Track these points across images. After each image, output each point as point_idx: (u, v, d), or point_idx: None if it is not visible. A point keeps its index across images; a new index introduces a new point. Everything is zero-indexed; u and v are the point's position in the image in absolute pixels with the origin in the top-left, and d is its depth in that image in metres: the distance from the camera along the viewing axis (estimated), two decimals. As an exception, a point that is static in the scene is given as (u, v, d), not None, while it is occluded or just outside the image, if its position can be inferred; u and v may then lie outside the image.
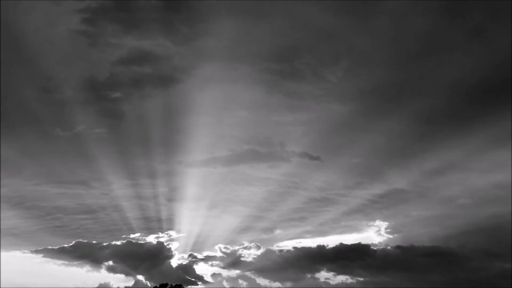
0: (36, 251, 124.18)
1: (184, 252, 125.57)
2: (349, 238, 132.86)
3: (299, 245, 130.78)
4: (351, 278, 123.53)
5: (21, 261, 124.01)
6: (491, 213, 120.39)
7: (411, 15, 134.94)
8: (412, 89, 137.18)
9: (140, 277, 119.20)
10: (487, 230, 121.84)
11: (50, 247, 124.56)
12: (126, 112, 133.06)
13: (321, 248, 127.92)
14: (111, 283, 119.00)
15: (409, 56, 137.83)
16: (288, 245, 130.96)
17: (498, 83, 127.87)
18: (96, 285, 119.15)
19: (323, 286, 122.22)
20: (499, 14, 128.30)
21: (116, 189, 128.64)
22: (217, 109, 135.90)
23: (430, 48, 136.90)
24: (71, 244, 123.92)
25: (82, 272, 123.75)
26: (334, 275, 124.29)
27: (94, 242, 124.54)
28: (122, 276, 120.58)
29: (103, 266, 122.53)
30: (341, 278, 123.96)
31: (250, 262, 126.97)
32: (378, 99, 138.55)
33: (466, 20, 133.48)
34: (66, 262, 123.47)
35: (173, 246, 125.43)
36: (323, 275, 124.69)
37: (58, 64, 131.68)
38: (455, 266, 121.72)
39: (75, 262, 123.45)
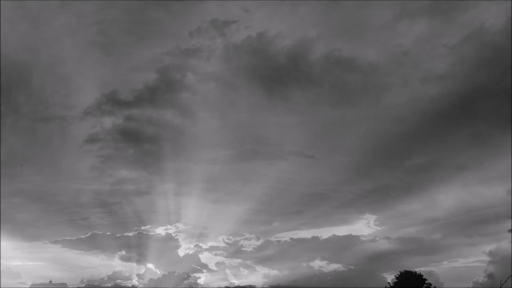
0: (55, 242, 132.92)
1: (190, 242, 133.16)
2: (341, 230, 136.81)
3: (295, 236, 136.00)
4: (343, 267, 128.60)
5: (42, 251, 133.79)
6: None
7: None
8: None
9: (150, 265, 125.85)
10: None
11: (68, 238, 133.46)
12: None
13: (315, 239, 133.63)
14: (123, 271, 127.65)
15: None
16: (285, 236, 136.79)
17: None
18: (110, 273, 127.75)
19: (317, 273, 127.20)
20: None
21: (128, 185, 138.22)
22: (222, 111, 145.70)
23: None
24: (87, 235, 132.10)
25: (97, 261, 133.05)
26: (327, 263, 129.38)
27: (108, 233, 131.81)
28: (134, 264, 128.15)
29: (116, 255, 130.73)
30: (334, 266, 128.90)
31: (251, 251, 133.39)
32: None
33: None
34: (82, 252, 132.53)
35: (180, 237, 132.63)
36: (317, 263, 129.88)
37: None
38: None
39: (90, 252, 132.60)
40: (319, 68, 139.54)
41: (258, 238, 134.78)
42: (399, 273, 79.90)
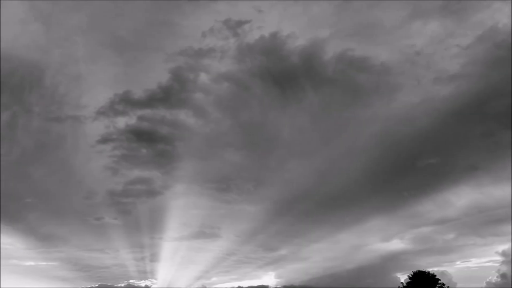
0: (68, 242, 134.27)
1: (203, 242, 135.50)
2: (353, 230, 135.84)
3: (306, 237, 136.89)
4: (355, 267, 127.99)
5: (55, 250, 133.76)
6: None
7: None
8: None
9: (163, 265, 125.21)
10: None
11: (80, 238, 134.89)
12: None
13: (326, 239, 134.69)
14: (136, 271, 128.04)
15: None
16: (296, 235, 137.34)
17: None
18: (123, 273, 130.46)
19: (329, 273, 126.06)
20: None
21: (142, 185, 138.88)
22: (235, 112, 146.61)
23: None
24: (100, 235, 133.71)
25: (110, 261, 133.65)
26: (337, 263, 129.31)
27: (120, 233, 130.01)
28: (146, 264, 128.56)
29: (129, 255, 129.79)
30: (346, 266, 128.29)
31: (262, 251, 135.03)
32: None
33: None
34: (95, 252, 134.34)
35: (192, 236, 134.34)
36: (328, 263, 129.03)
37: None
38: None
39: (103, 252, 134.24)
40: (331, 68, 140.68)
41: (269, 237, 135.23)
42: (412, 273, 79.73)
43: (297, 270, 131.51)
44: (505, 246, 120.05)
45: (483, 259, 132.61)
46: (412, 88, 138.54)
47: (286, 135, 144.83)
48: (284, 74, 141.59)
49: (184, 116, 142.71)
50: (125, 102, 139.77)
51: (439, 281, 77.90)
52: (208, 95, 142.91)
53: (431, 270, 79.85)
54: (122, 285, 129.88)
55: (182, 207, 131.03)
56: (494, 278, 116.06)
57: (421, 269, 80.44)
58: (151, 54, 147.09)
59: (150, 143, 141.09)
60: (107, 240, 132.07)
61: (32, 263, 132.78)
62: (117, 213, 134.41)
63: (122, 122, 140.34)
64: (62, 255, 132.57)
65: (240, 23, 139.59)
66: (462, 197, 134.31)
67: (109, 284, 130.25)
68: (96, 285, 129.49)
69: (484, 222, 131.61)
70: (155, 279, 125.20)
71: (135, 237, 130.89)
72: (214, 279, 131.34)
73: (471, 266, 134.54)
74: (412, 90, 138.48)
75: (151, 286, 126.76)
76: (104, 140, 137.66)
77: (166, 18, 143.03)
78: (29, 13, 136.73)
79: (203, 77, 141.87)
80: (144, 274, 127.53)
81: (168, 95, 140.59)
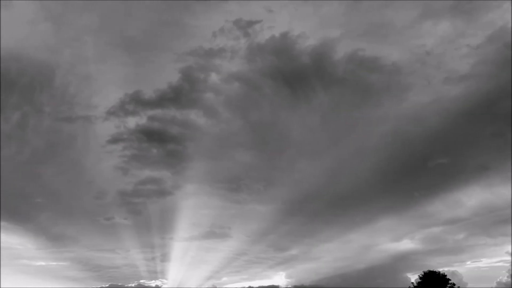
0: (78, 241, 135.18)
1: (213, 242, 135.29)
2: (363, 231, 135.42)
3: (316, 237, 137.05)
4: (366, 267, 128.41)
5: (65, 250, 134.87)
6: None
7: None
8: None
9: (173, 265, 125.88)
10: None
11: (91, 237, 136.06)
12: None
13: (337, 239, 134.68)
14: (146, 271, 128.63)
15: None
16: (307, 235, 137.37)
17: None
18: (133, 273, 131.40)
19: (340, 273, 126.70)
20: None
21: (152, 185, 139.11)
22: (245, 111, 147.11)
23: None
24: (110, 235, 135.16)
25: (120, 261, 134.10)
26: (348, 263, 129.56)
27: (131, 233, 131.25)
28: (156, 264, 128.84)
29: (139, 255, 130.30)
30: (356, 266, 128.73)
31: (273, 251, 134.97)
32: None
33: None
34: (105, 252, 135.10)
35: (203, 236, 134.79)
36: (339, 263, 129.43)
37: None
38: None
39: (113, 252, 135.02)
40: (342, 68, 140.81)
41: (279, 237, 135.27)
42: (422, 273, 79.87)
43: (308, 270, 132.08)
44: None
45: (493, 259, 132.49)
46: (423, 88, 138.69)
47: (296, 135, 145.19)
48: (294, 74, 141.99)
49: (195, 116, 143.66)
50: (136, 102, 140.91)
51: (450, 281, 78.01)
52: (218, 95, 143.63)
53: (441, 270, 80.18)
54: (133, 285, 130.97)
55: (192, 207, 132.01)
56: (504, 278, 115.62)
57: (431, 269, 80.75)
58: (162, 54, 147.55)
59: (160, 143, 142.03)
60: (118, 240, 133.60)
61: (42, 263, 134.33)
62: (128, 213, 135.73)
63: (132, 122, 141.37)
64: (72, 255, 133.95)
65: (251, 23, 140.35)
66: (473, 197, 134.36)
67: (119, 284, 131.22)
68: (107, 285, 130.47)
69: (495, 222, 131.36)
70: (166, 279, 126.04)
71: (146, 237, 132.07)
72: (224, 279, 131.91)
73: (481, 266, 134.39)
74: (422, 90, 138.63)
75: (161, 286, 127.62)
76: (115, 140, 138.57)
77: (177, 18, 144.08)
78: (39, 13, 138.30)
79: (214, 77, 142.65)
80: (155, 274, 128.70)
81: (178, 95, 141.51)
